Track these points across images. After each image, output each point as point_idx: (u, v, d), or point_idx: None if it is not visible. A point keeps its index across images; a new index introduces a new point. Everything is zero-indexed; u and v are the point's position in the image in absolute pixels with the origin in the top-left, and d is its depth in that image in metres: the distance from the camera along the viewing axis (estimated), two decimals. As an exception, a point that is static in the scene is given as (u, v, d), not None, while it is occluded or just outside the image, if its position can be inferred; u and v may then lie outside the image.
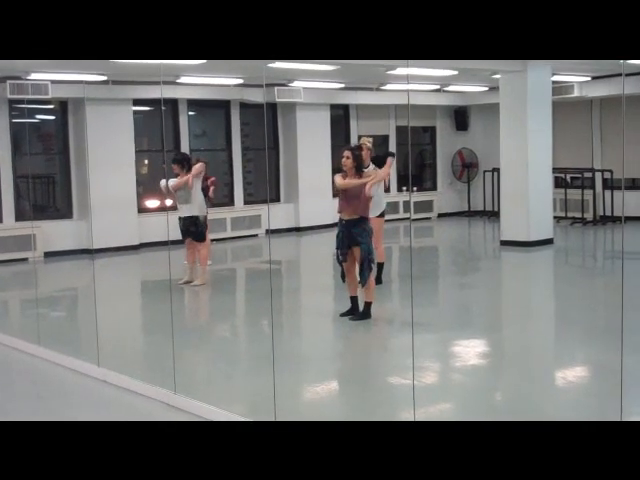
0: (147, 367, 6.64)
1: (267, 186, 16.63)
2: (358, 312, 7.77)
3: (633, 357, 5.79)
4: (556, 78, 13.99)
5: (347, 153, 7.70)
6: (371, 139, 9.67)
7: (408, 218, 17.20)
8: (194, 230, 10.02)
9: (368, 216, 7.78)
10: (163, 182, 9.96)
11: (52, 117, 14.22)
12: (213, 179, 11.61)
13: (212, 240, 11.72)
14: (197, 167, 10.05)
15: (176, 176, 10.07)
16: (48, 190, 14.63)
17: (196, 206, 10.00)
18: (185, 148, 14.90)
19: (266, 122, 15.80)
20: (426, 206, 18.13)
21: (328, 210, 16.52)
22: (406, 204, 17.53)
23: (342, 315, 7.84)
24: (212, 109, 15.78)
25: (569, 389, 5.81)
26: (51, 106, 13.84)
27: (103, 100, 13.41)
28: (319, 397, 5.75)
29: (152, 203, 14.53)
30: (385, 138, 18.02)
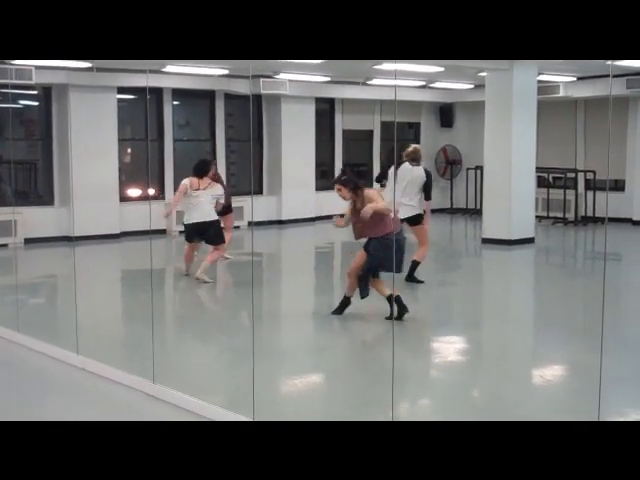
0: (127, 356, 6.62)
1: (251, 178, 16.59)
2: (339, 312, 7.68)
3: (610, 356, 5.82)
4: (542, 78, 14.04)
5: (337, 187, 7.39)
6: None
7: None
8: (212, 233, 9.67)
9: (382, 234, 7.28)
10: (186, 181, 9.72)
11: (35, 103, 14.11)
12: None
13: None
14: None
15: (201, 177, 9.75)
16: (30, 176, 14.53)
17: (205, 212, 9.63)
18: (169, 138, 14.85)
19: (251, 114, 15.76)
20: (409, 202, 18.12)
21: (311, 204, 16.55)
22: (389, 200, 17.53)
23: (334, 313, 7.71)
24: (197, 99, 15.70)
25: (546, 387, 5.85)
26: (35, 92, 13.72)
27: (87, 87, 13.32)
28: (297, 390, 5.75)
29: (134, 192, 14.47)
30: (370, 133, 18.04)
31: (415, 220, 9.46)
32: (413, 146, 9.75)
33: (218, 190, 9.84)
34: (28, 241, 12.94)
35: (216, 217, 9.76)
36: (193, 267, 9.89)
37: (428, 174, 9.56)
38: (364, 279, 7.48)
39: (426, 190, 9.54)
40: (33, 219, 13.11)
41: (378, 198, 7.32)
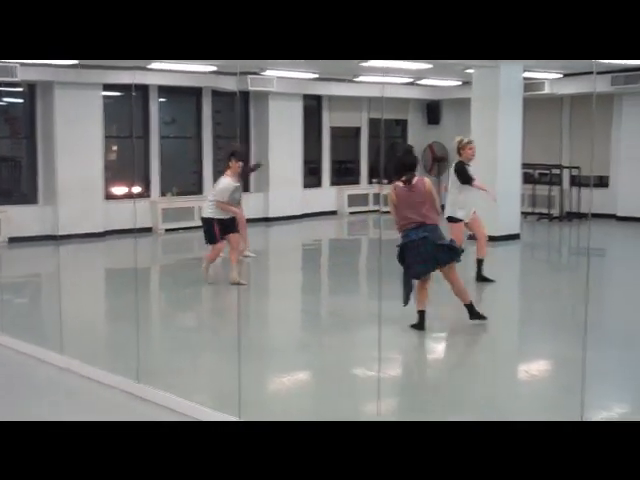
0: (111, 356, 6.58)
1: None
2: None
3: (594, 351, 5.84)
4: (528, 75, 14.07)
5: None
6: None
7: (377, 210, 17.22)
8: (204, 231, 9.45)
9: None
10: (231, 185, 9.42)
11: (20, 100, 14.02)
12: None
13: (179, 229, 11.56)
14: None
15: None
16: (14, 174, 14.44)
17: (205, 208, 9.45)
18: (155, 135, 14.79)
19: (238, 111, 15.71)
20: (396, 199, 18.12)
21: (298, 201, 16.53)
22: (376, 196, 17.56)
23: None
24: (183, 96, 15.64)
25: (532, 382, 5.86)
26: (19, 89, 13.63)
27: (72, 84, 13.24)
28: (284, 388, 5.74)
29: (119, 190, 14.40)
30: (357, 130, 18.04)
31: (449, 219, 9.31)
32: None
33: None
34: (12, 240, 12.85)
35: (210, 216, 9.27)
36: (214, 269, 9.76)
37: (456, 169, 9.45)
38: (406, 284, 7.22)
39: (462, 181, 9.43)
40: (17, 218, 13.00)
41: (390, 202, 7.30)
